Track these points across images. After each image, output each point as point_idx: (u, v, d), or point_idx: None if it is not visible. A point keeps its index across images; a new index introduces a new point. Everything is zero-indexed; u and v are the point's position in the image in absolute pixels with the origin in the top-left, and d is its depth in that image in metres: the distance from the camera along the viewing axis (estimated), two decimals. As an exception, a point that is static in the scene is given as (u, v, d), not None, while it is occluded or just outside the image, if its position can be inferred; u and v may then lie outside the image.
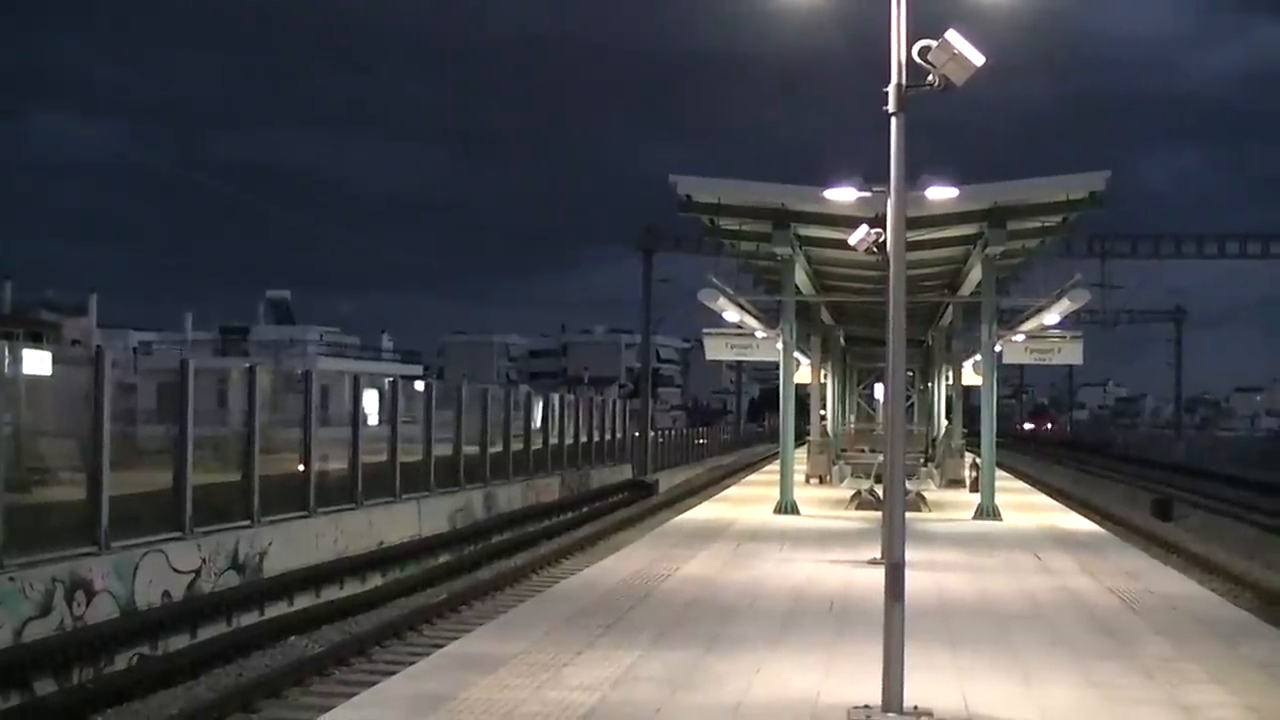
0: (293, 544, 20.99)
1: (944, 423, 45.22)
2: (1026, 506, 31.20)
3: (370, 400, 27.93)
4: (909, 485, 26.29)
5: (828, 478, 37.33)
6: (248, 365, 22.80)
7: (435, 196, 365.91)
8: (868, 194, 18.47)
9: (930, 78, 9.97)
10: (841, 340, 47.85)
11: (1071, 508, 33.41)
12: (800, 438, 37.35)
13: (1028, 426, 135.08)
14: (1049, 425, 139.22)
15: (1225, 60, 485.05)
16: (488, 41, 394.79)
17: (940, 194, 18.52)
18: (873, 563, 18.06)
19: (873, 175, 18.07)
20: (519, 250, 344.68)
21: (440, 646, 13.73)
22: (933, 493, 33.19)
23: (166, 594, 17.20)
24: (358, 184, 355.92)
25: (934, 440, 45.23)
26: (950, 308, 37.99)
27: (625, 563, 18.99)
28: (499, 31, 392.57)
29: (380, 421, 28.22)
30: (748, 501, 31.00)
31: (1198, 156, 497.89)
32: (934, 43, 9.89)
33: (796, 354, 32.65)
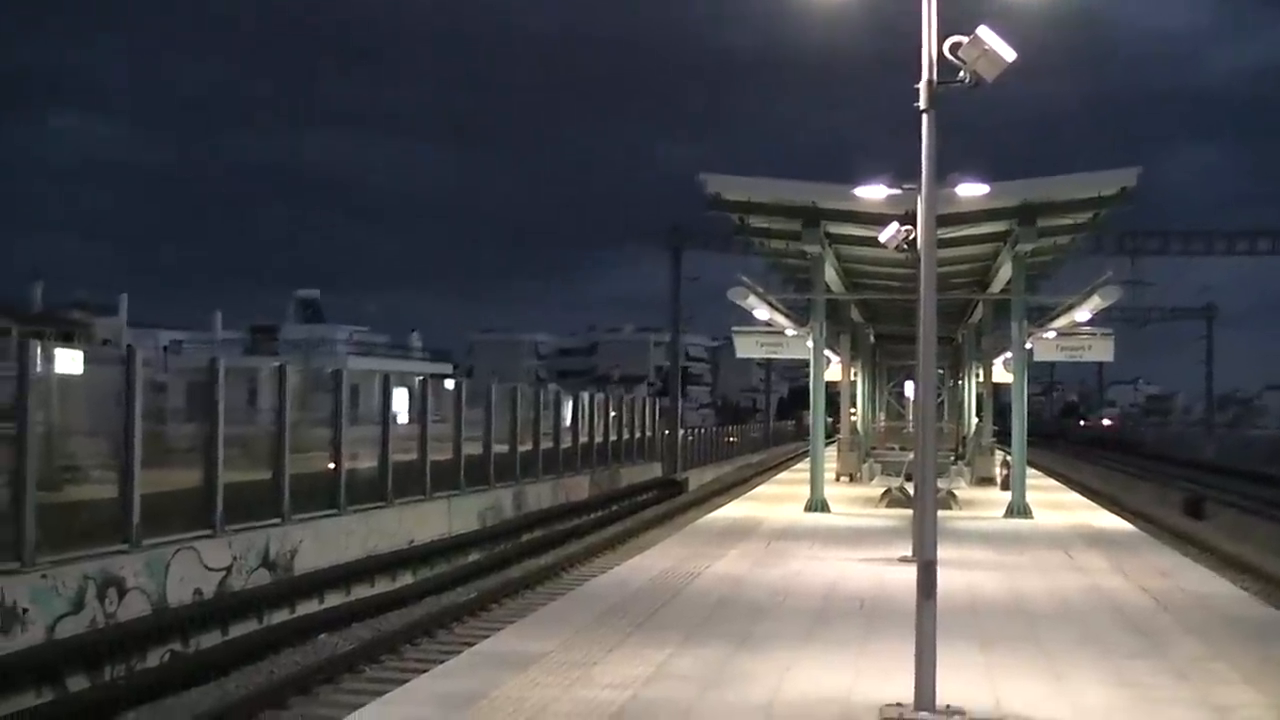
0: (323, 542, 21.07)
1: (974, 420, 45.08)
2: (1057, 505, 31.03)
3: (400, 399, 28.00)
4: (939, 483, 26.23)
5: (858, 475, 37.25)
6: (277, 364, 22.87)
7: (464, 195, 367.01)
8: (898, 192, 18.49)
9: (961, 74, 9.92)
10: (871, 338, 47.72)
11: (1102, 506, 33.22)
12: (830, 435, 37.26)
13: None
14: (1082, 422, 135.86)
15: (1247, 55, 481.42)
16: (511, 40, 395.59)
17: (970, 191, 18.50)
18: (903, 561, 18.00)
19: (899, 173, 18.09)
20: (545, 249, 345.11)
21: (470, 645, 13.76)
22: (963, 491, 33.07)
23: (198, 591, 17.30)
24: (383, 184, 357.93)
25: (964, 438, 45.06)
26: (980, 305, 37.83)
27: (655, 561, 18.98)
28: (520, 29, 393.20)
29: (410, 420, 28.28)
30: (778, 500, 30.94)
31: (1223, 152, 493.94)
32: (965, 39, 9.84)
33: (826, 352, 32.58)
